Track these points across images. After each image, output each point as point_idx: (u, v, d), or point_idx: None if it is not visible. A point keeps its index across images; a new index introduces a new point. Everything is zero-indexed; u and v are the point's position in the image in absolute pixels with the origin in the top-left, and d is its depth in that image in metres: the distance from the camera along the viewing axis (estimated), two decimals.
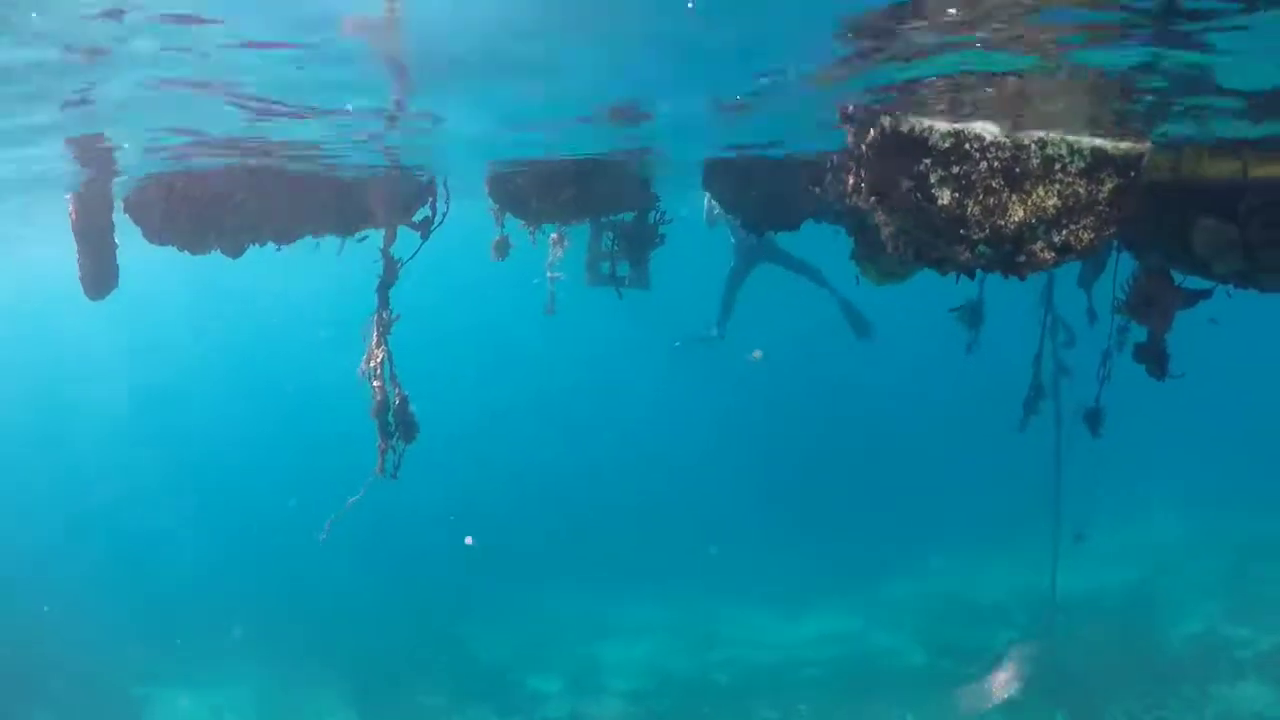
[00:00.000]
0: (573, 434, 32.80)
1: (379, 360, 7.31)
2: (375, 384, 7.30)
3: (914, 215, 4.20)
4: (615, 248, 10.03)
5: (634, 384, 35.23)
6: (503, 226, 9.57)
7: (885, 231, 4.41)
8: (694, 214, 14.29)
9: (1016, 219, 4.10)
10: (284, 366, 36.11)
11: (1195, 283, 5.21)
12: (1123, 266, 7.11)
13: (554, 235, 10.19)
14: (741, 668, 17.38)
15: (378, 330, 7.38)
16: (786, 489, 26.44)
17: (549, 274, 10.71)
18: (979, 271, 4.43)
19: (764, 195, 7.64)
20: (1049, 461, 14.04)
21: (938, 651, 17.38)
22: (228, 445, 33.94)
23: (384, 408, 7.34)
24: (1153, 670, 16.11)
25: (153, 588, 19.93)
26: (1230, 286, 5.07)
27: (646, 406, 34.35)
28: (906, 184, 4.14)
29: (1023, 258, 4.21)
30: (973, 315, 10.22)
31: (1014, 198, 4.08)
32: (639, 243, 10.02)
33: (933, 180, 4.08)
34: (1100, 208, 4.11)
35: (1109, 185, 4.09)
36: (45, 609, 17.13)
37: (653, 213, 9.84)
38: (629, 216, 9.92)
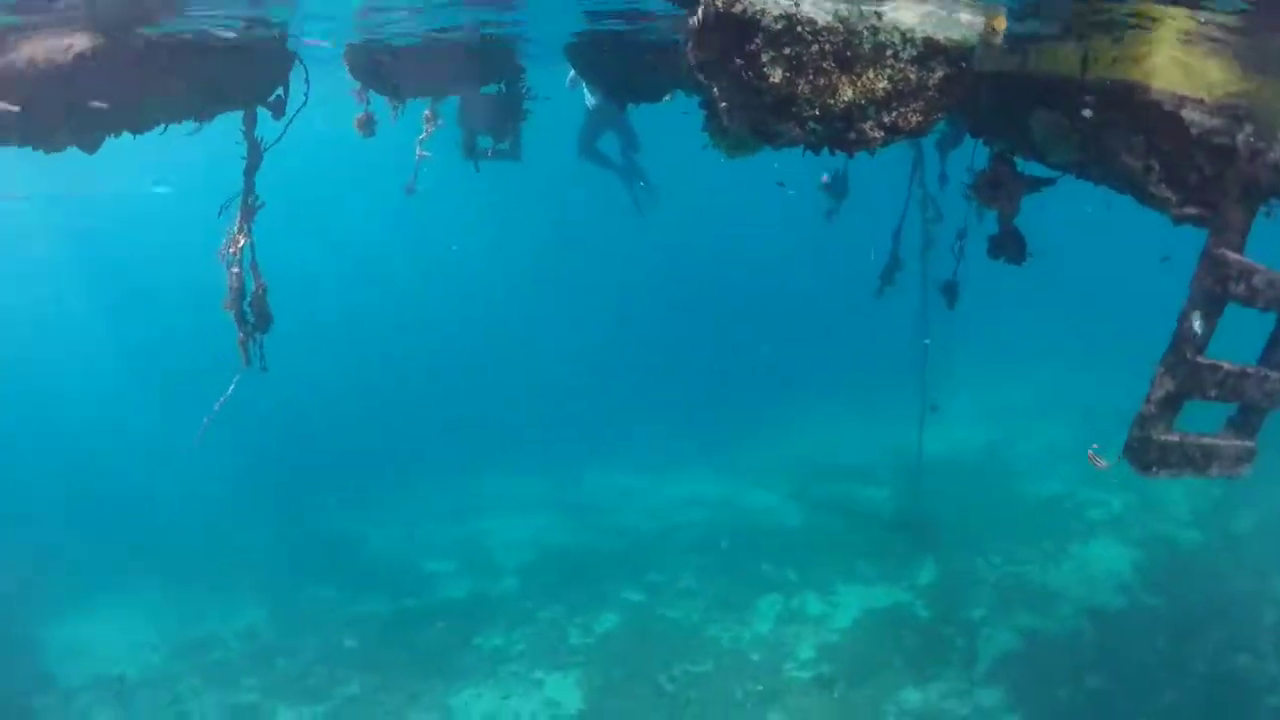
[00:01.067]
0: (439, 313, 32.37)
1: (239, 246, 7.00)
2: (233, 270, 7.01)
3: (746, 92, 4.23)
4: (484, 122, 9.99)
5: (499, 260, 34.79)
6: (367, 102, 9.37)
7: (720, 106, 4.42)
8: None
9: (846, 99, 4.18)
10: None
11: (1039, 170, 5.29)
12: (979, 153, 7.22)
13: (426, 112, 10.05)
14: (624, 535, 17.81)
15: (242, 215, 7.06)
16: (652, 357, 26.54)
17: (418, 152, 10.50)
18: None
19: (622, 66, 7.46)
20: (913, 330, 14.41)
21: (811, 508, 18.02)
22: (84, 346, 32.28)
23: (240, 296, 7.06)
24: (1013, 526, 16.97)
25: (35, 516, 19.35)
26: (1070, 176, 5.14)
27: (512, 281, 33.97)
28: (738, 62, 4.14)
29: (853, 135, 4.30)
30: (837, 185, 10.30)
31: (844, 79, 4.16)
32: (507, 114, 9.96)
33: (764, 60, 4.10)
34: (930, 94, 4.22)
35: (939, 74, 4.18)
36: None
37: (519, 84, 9.77)
38: (495, 89, 9.81)
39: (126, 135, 6.44)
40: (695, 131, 6.27)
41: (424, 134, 10.06)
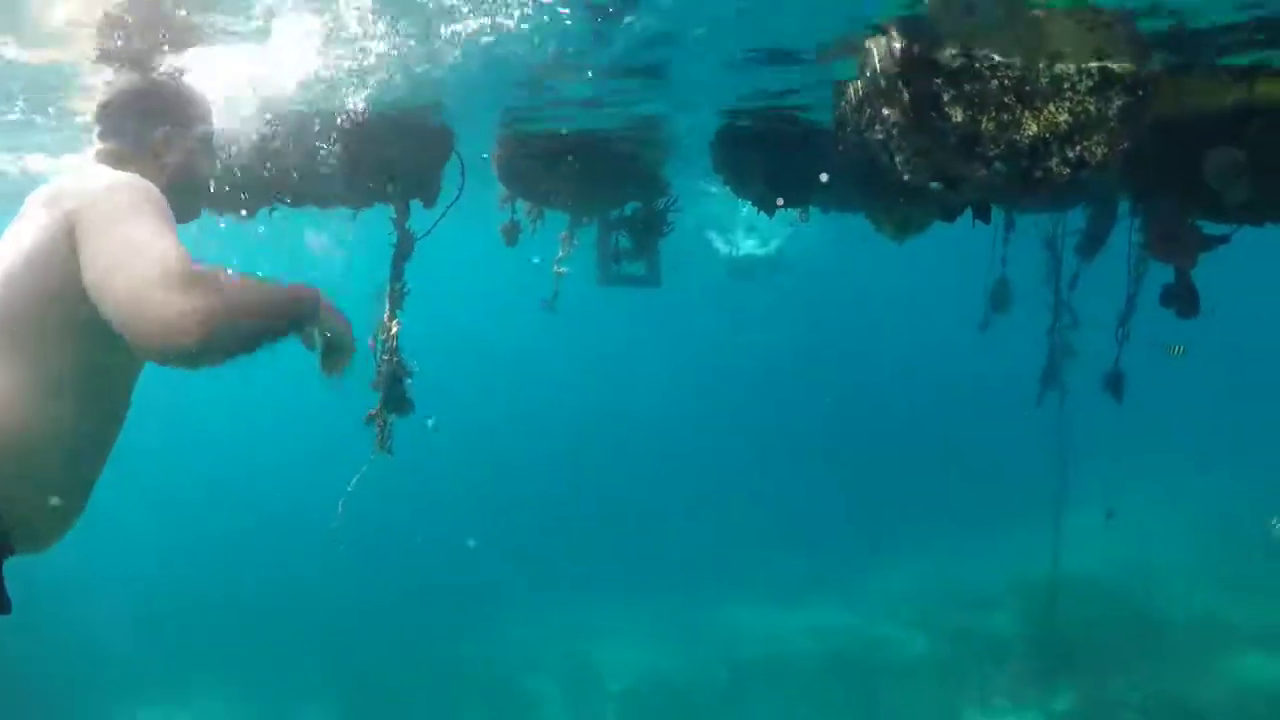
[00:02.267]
0: (563, 432, 32.41)
1: (392, 334, 7.22)
2: (385, 358, 7.22)
3: (929, 135, 4.26)
4: (623, 243, 9.88)
5: (626, 382, 34.80)
6: (513, 210, 9.34)
7: (900, 157, 4.44)
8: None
9: (1030, 133, 4.16)
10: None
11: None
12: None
13: (563, 234, 9.98)
14: (737, 664, 17.18)
15: (390, 303, 7.29)
16: (774, 478, 26.15)
17: (556, 269, 10.39)
18: (993, 205, 4.44)
19: (770, 163, 7.56)
20: (1052, 442, 14.05)
21: (938, 638, 17.27)
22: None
23: (389, 380, 7.24)
24: (1155, 645, 16.07)
25: (127, 596, 19.31)
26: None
27: (637, 404, 33.93)
28: (921, 104, 4.19)
29: (1039, 173, 4.26)
30: (999, 293, 10.19)
31: (1026, 114, 4.16)
32: (647, 233, 9.80)
33: (945, 99, 4.15)
34: (1111, 124, 4.16)
35: (1118, 102, 4.14)
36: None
37: (661, 199, 9.57)
38: (634, 208, 9.66)
39: None
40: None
41: (562, 253, 10.08)
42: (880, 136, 4.45)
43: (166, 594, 19.77)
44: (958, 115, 4.15)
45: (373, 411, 7.12)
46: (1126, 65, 4.02)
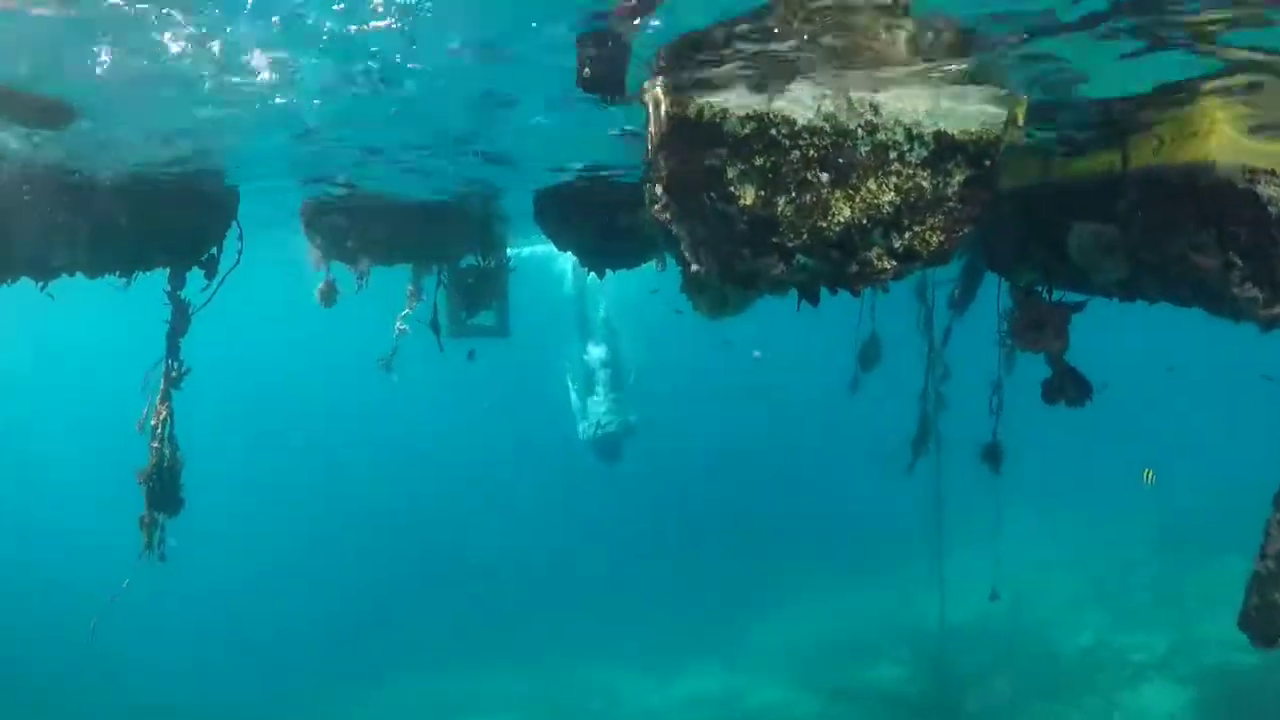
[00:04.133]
0: (415, 495, 31.36)
1: (161, 418, 6.16)
2: (154, 444, 6.17)
3: (714, 221, 3.31)
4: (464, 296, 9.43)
5: (479, 439, 33.91)
6: (328, 269, 8.59)
7: (685, 243, 3.52)
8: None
9: (842, 219, 3.22)
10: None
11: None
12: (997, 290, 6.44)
13: (410, 288, 9.45)
14: None
15: (165, 383, 6.22)
16: (644, 540, 25.46)
17: (398, 326, 9.76)
18: (809, 291, 3.52)
19: (598, 228, 6.66)
20: (928, 495, 13.60)
21: (826, 697, 16.55)
22: None
23: (157, 471, 6.21)
24: (1050, 685, 15.76)
25: None
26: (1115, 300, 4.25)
27: (492, 463, 33.06)
28: (699, 181, 3.23)
29: (855, 267, 3.34)
30: (868, 353, 9.61)
31: (838, 193, 3.20)
32: (486, 287, 9.44)
33: (731, 175, 3.18)
34: (950, 204, 3.23)
35: (958, 177, 3.21)
36: None
37: (493, 256, 9.33)
38: (469, 262, 9.31)
39: None
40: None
41: (406, 309, 9.39)
42: (661, 217, 3.52)
43: None
44: (747, 196, 3.19)
45: (142, 515, 6.13)
46: (969, 129, 3.09)
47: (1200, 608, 17.06)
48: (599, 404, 16.64)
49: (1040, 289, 4.40)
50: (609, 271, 7.61)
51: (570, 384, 18.43)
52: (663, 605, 20.65)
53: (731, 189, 3.20)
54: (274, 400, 34.30)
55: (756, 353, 20.61)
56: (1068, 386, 4.46)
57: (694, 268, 3.52)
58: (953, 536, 14.99)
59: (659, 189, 3.39)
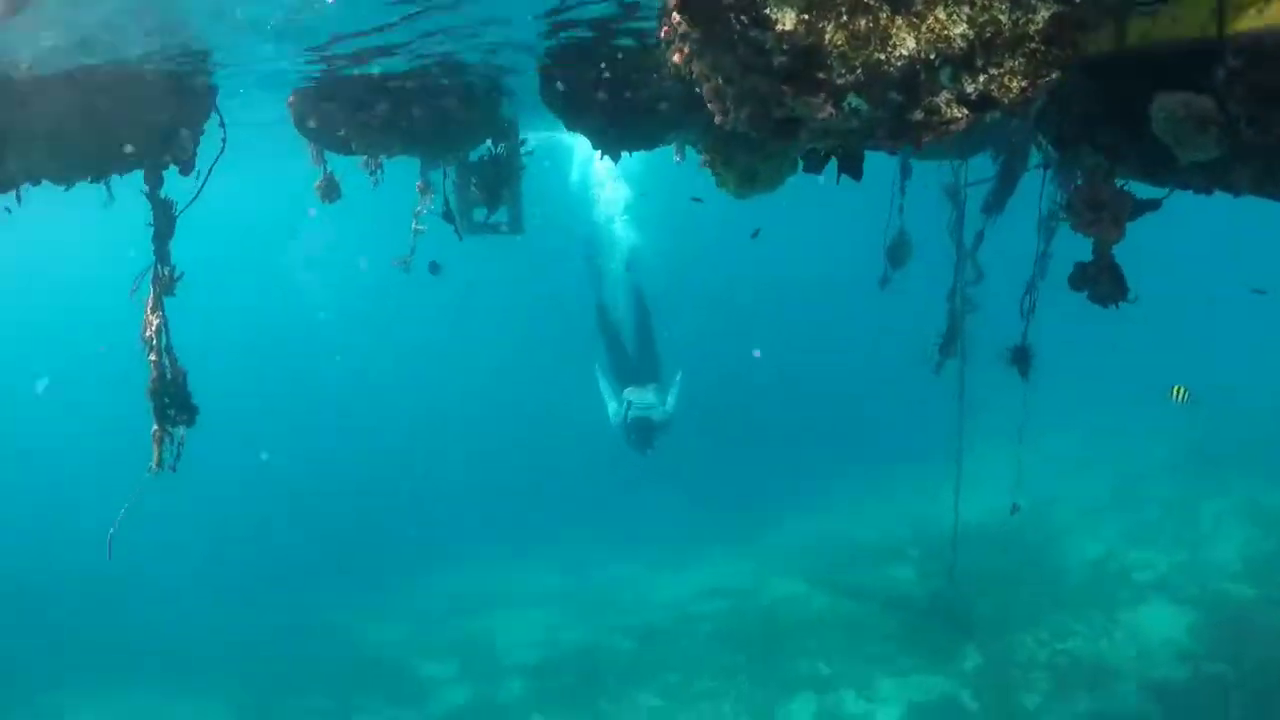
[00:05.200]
0: (445, 395, 31.44)
1: (155, 328, 5.89)
2: (151, 357, 5.91)
3: (742, 50, 2.81)
4: (476, 189, 8.91)
5: (502, 341, 33.83)
6: (324, 164, 8.25)
7: (708, 89, 3.02)
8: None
9: (905, 52, 2.73)
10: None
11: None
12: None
13: (419, 184, 9.07)
14: (638, 633, 16.63)
15: (155, 291, 5.95)
16: (671, 435, 25.59)
17: (414, 226, 9.37)
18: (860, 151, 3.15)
19: (609, 99, 6.02)
20: (951, 398, 13.54)
21: (840, 594, 16.85)
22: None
23: (161, 385, 5.96)
24: (1058, 598, 15.99)
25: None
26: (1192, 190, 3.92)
27: (521, 361, 33.01)
28: (729, 5, 2.73)
29: (920, 114, 2.83)
30: (897, 250, 9.35)
31: (899, 22, 2.71)
32: (499, 180, 8.84)
33: None
34: (1033, 45, 2.76)
35: (1043, 12, 2.75)
36: None
37: (505, 143, 8.62)
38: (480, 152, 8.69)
39: None
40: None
41: (419, 206, 9.01)
42: (678, 54, 3.06)
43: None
44: (787, 21, 2.70)
45: (154, 429, 5.92)
46: None
47: (1211, 532, 17.28)
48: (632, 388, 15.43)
49: (1109, 172, 4.04)
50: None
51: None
52: (686, 505, 21.00)
53: (767, 10, 2.72)
54: (286, 306, 34.12)
55: (756, 352, 19.94)
56: (1104, 280, 4.16)
57: (719, 118, 3.09)
58: (974, 440, 15.08)
59: (674, 13, 2.90)
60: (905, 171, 8.98)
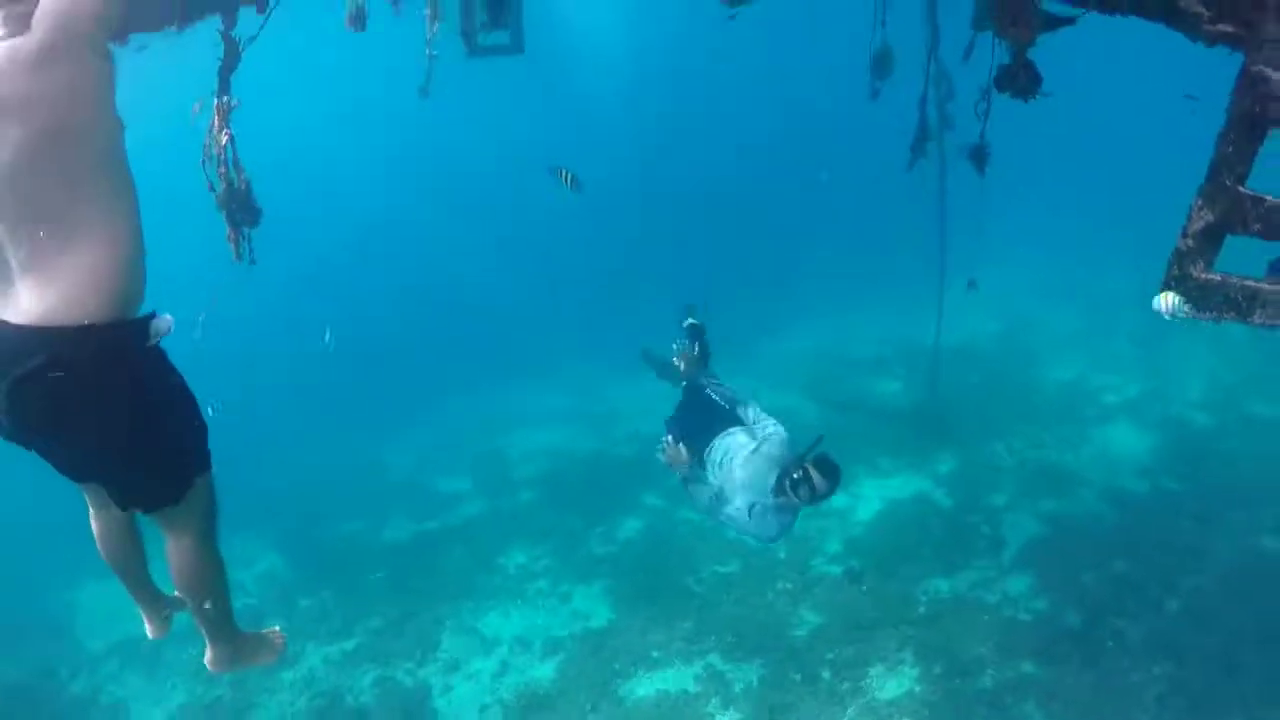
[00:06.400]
0: (457, 222, 31.47)
1: (223, 145, 6.80)
2: (220, 171, 6.85)
3: None
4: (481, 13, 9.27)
5: (514, 164, 33.64)
6: None
7: None
8: None
9: None
10: None
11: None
12: None
13: (427, 10, 9.04)
14: (642, 441, 17.60)
15: (219, 115, 6.81)
16: (666, 254, 25.84)
17: (428, 52, 9.94)
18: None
19: None
20: (932, 212, 14.13)
21: (827, 405, 17.81)
22: None
23: (230, 196, 6.92)
24: (1030, 413, 17.00)
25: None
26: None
27: (531, 187, 32.82)
28: None
29: None
30: (882, 62, 9.89)
31: None
32: (500, 2, 9.28)
33: None
34: None
35: None
36: None
37: None
38: None
39: None
40: None
41: (430, 32, 9.59)
42: None
43: None
44: None
45: (228, 233, 6.85)
46: None
47: (1178, 364, 18.16)
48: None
49: None
50: None
51: None
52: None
53: None
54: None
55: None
56: (1021, 78, 5.01)
57: None
58: (959, 262, 15.88)
59: None
60: None
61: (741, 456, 8.28)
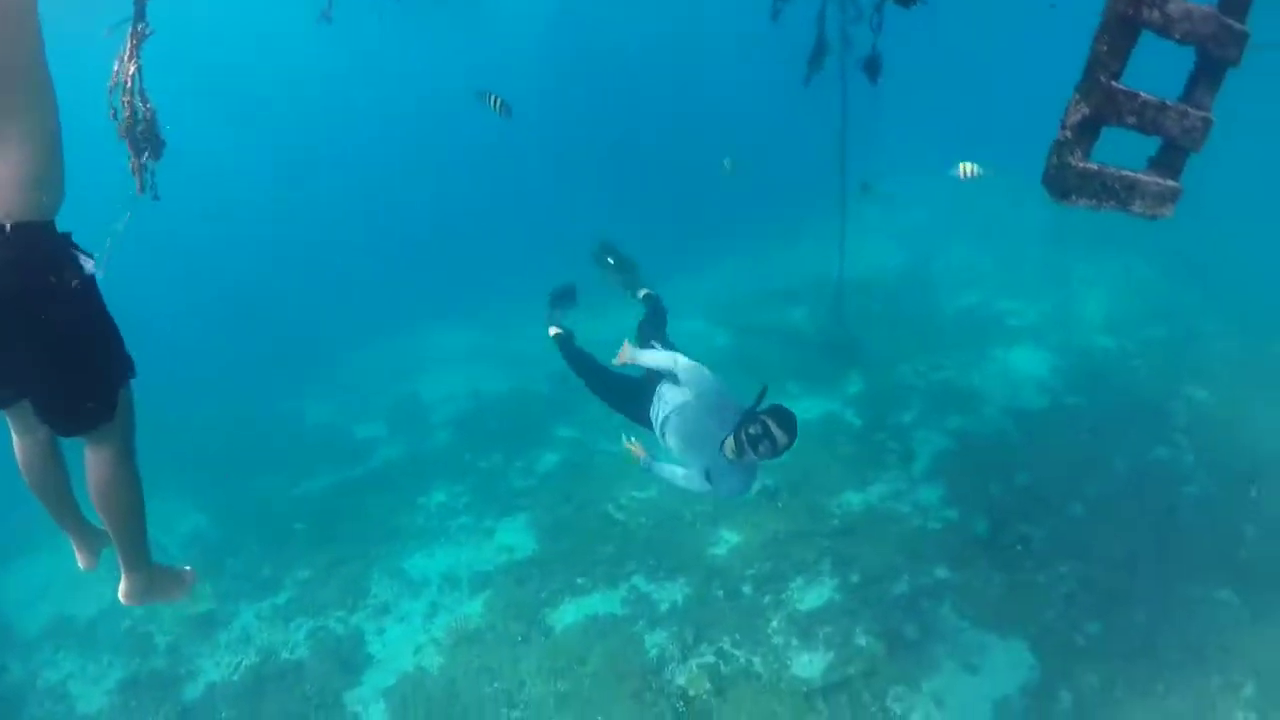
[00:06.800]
0: (363, 166, 31.01)
1: (130, 74, 6.68)
2: (124, 99, 6.71)
3: None
4: None
5: (413, 104, 32.93)
6: None
7: None
8: None
9: None
10: None
11: None
12: None
13: None
14: (556, 378, 17.69)
15: (131, 42, 6.68)
16: (584, 197, 25.85)
17: None
18: None
19: None
20: (833, 136, 14.30)
21: (739, 332, 18.31)
22: None
23: (134, 124, 6.79)
24: (936, 336, 17.64)
25: None
26: None
27: (433, 128, 32.28)
28: None
29: None
30: None
31: None
32: None
33: None
34: None
35: None
36: None
37: None
38: None
39: None
40: None
41: None
42: None
43: None
44: None
45: (131, 163, 6.73)
46: None
47: (1080, 292, 18.87)
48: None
49: None
50: None
51: None
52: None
53: None
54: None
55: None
56: None
57: None
58: (863, 206, 16.19)
59: None
60: None
61: (677, 418, 7.71)
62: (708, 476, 7.49)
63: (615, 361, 7.89)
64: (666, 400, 7.90)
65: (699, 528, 12.85)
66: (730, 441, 7.25)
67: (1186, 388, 15.41)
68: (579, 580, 12.30)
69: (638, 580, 12.16)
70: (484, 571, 12.87)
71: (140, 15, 6.43)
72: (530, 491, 14.56)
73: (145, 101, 6.62)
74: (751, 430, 7.03)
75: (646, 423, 8.11)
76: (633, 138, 28.67)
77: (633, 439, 8.07)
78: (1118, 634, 10.56)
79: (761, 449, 7.01)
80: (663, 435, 7.88)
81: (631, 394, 8.38)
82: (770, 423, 6.99)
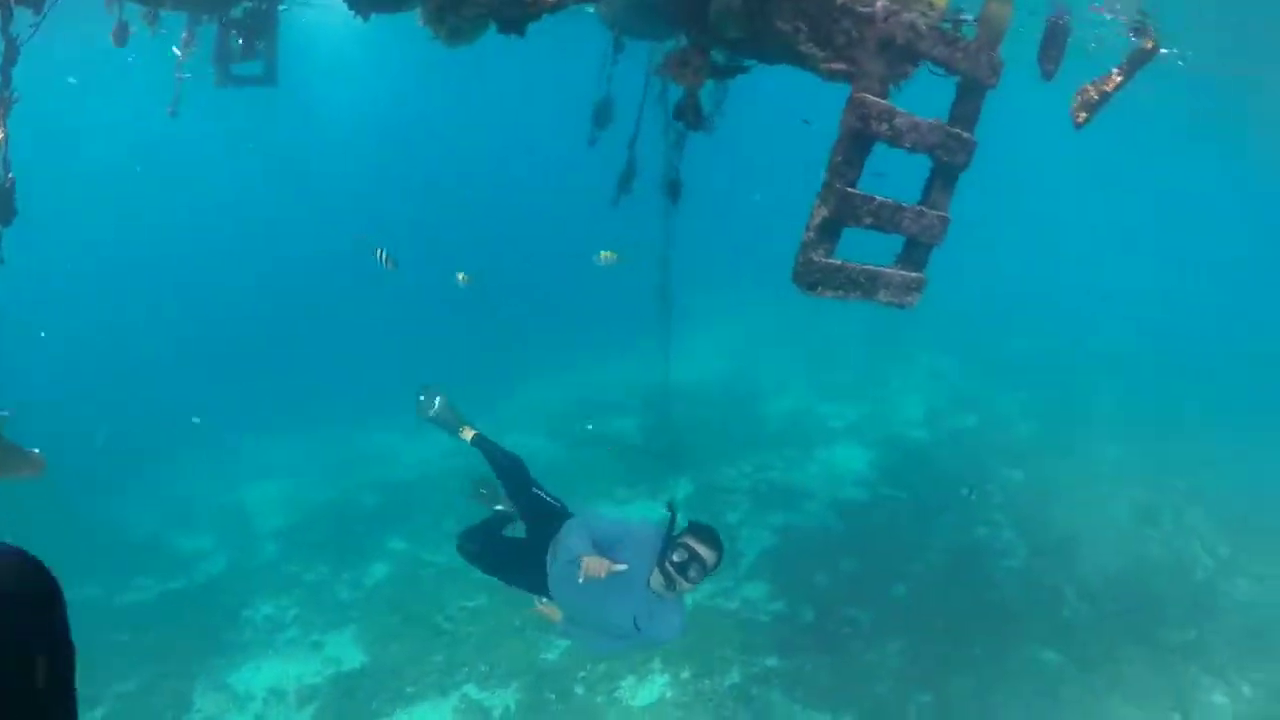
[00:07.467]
0: (196, 260, 30.42)
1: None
2: None
3: None
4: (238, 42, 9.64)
5: (245, 200, 32.52)
6: (119, 12, 8.66)
7: None
8: None
9: None
10: None
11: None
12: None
13: (184, 34, 9.68)
14: (384, 489, 17.76)
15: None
16: (410, 309, 25.88)
17: (177, 75, 10.17)
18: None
19: None
20: (657, 264, 14.92)
21: (569, 444, 18.56)
22: None
23: None
24: (759, 440, 18.31)
25: None
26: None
27: (265, 223, 31.91)
28: None
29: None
30: (602, 112, 10.59)
31: None
32: (258, 32, 9.63)
33: None
34: None
35: None
36: None
37: None
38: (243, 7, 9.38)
39: None
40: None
41: (181, 56, 9.66)
42: None
43: None
44: None
45: None
46: None
47: (893, 393, 19.94)
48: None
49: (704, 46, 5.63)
50: None
51: None
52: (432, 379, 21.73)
53: None
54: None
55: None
56: (690, 114, 5.82)
57: None
58: (684, 311, 16.85)
59: None
60: (618, 47, 10.08)
61: (573, 571, 6.92)
62: (635, 624, 6.95)
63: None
64: (563, 548, 7.27)
65: (528, 633, 12.92)
66: (657, 575, 6.81)
67: (1001, 469, 16.44)
68: (408, 689, 12.19)
69: (469, 688, 12.14)
70: (312, 684, 12.61)
71: (5, 83, 6.54)
72: (358, 603, 14.37)
73: (7, 169, 6.69)
74: (676, 558, 6.68)
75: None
76: (457, 254, 29.01)
77: (543, 599, 7.64)
78: (951, 701, 11.10)
79: (692, 573, 6.65)
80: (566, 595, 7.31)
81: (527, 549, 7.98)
82: (693, 544, 6.69)
